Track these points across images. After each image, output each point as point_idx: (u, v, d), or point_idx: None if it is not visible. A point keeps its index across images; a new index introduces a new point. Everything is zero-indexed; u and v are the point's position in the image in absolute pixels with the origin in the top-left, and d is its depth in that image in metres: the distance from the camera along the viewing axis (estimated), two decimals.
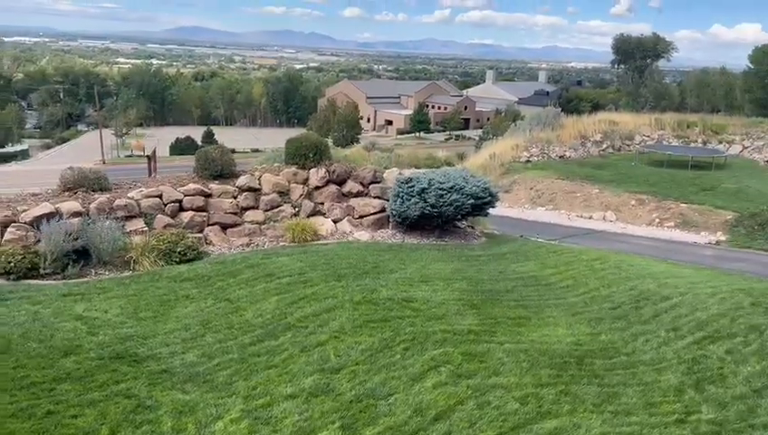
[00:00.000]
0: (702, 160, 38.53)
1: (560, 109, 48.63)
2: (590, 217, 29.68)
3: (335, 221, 15.02)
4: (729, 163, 39.03)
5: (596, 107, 77.07)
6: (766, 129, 44.05)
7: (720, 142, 43.50)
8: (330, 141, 34.51)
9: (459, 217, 15.37)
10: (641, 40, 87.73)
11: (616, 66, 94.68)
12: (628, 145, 42.66)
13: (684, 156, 38.66)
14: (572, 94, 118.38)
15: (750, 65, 75.58)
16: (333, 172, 15.38)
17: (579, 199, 31.36)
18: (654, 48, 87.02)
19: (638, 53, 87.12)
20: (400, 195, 14.78)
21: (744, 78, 78.41)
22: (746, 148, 42.86)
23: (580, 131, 42.08)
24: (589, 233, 26.30)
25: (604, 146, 41.82)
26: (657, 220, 28.57)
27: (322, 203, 15.22)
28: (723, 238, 26.02)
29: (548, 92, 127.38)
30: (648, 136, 43.95)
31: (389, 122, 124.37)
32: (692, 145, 42.96)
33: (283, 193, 14.90)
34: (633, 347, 9.44)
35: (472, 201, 14.80)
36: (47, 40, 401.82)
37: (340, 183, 15.51)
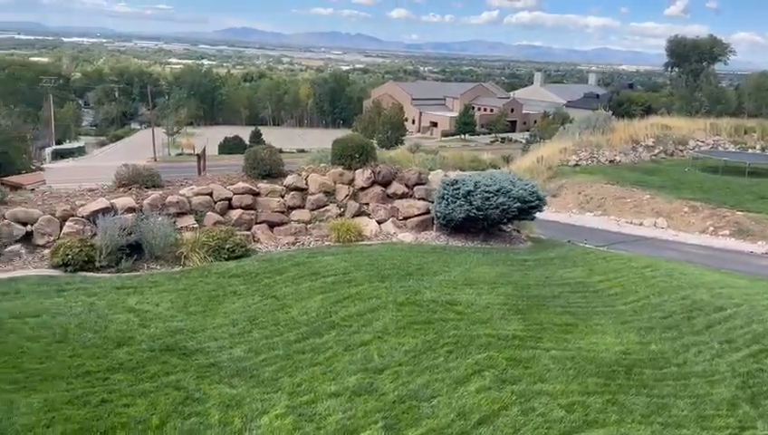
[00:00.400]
0: (760, 167, 37.12)
1: (610, 112, 47.56)
2: (641, 224, 28.97)
3: (379, 222, 15.07)
4: None
5: (648, 111, 75.16)
6: None
7: None
8: (374, 143, 34.65)
9: (505, 220, 15.20)
10: (697, 42, 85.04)
11: (669, 69, 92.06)
12: (681, 150, 41.47)
13: (740, 162, 37.34)
14: (623, 97, 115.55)
15: None
16: (378, 173, 15.44)
17: (629, 205, 30.65)
18: (710, 51, 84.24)
19: (693, 56, 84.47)
20: (445, 197, 14.72)
21: None
22: None
23: (632, 136, 41.14)
24: (639, 240, 25.68)
25: (656, 151, 40.75)
26: (711, 228, 27.67)
27: (367, 204, 15.29)
28: None
29: (598, 95, 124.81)
30: (703, 141, 42.63)
31: (434, 124, 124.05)
32: (749, 151, 41.44)
33: (329, 193, 15.03)
34: (684, 358, 9.16)
35: (519, 204, 14.62)
36: (104, 41, 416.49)
37: (385, 184, 15.55)
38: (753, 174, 35.95)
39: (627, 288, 12.09)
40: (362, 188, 15.31)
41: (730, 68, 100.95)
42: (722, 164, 37.13)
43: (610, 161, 38.50)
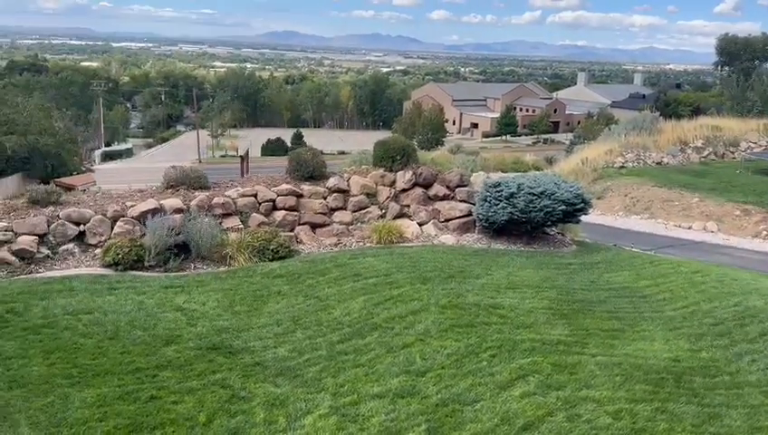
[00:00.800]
0: None
1: (657, 113, 46.32)
2: (690, 228, 28.13)
3: (420, 224, 15.04)
4: None
5: (696, 111, 72.99)
6: None
7: None
8: (415, 144, 34.55)
9: (549, 223, 14.96)
10: (749, 40, 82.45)
11: (719, 68, 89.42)
12: (732, 152, 40.10)
13: None
14: (671, 98, 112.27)
15: None
16: (420, 175, 15.42)
17: (677, 208, 29.80)
18: (763, 49, 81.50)
19: (744, 55, 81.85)
20: (487, 199, 14.59)
21: None
22: None
23: (680, 137, 39.93)
24: (687, 244, 24.96)
25: (706, 153, 39.51)
26: (765, 233, 26.67)
27: (408, 205, 15.29)
28: None
29: (644, 95, 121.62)
30: (756, 143, 41.12)
31: (475, 125, 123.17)
32: None
33: (371, 195, 15.08)
34: (737, 367, 8.87)
35: (563, 207, 14.38)
36: (151, 45, 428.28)
37: (427, 186, 15.52)
38: None
39: (676, 294, 11.78)
40: (403, 190, 15.31)
41: None
42: None
43: (658, 163, 37.52)
